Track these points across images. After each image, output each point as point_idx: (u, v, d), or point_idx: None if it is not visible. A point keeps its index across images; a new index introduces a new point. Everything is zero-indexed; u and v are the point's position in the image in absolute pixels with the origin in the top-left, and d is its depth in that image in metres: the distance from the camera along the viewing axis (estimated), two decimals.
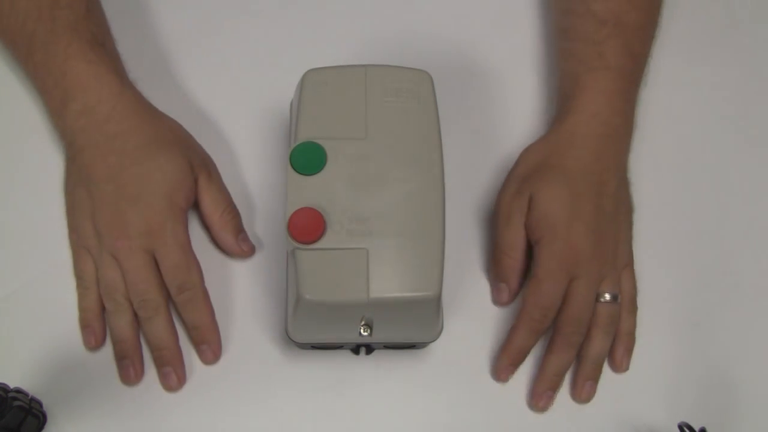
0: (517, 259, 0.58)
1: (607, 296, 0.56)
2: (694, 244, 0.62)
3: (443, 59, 0.66)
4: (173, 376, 0.55)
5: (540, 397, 0.56)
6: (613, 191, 0.58)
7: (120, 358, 0.56)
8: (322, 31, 0.67)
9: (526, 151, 0.60)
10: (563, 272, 0.55)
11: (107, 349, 0.56)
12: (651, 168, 0.63)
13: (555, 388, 0.56)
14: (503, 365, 0.57)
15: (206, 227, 0.59)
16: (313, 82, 0.52)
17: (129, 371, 0.55)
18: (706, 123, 0.66)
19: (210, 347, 0.56)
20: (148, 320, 0.55)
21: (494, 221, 0.60)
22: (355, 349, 0.56)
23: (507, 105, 0.65)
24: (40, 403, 0.54)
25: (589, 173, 0.57)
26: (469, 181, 0.62)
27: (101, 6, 0.62)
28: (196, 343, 0.56)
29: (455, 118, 0.63)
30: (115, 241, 0.55)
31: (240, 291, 0.58)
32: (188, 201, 0.57)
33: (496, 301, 0.59)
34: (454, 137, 0.62)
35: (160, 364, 0.56)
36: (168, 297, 0.56)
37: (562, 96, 0.61)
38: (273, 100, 0.63)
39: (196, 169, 0.58)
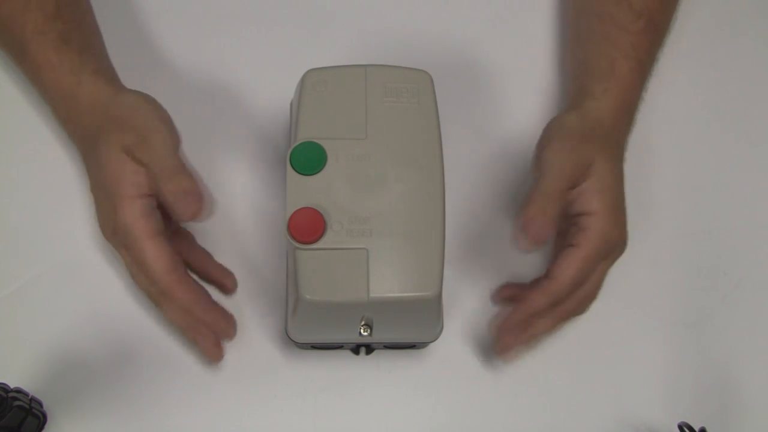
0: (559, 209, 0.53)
1: None
2: (694, 244, 0.62)
3: (443, 59, 0.66)
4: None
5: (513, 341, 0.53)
6: None
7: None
8: (322, 31, 0.67)
9: (580, 113, 0.56)
10: (603, 254, 0.53)
11: (107, 350, 0.56)
12: (650, 168, 0.63)
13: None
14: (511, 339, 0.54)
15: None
16: (313, 82, 0.52)
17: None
18: (705, 123, 0.66)
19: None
20: None
21: (542, 168, 0.54)
22: (355, 349, 0.56)
23: (507, 104, 0.65)
24: (40, 403, 0.54)
25: (622, 158, 0.57)
26: (469, 181, 0.62)
27: None
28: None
29: (455, 118, 0.63)
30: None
31: (240, 291, 0.58)
32: (138, 185, 0.52)
33: (534, 237, 0.52)
34: (454, 137, 0.62)
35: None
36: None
37: (593, 71, 0.59)
38: (273, 100, 0.63)
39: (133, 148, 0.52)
